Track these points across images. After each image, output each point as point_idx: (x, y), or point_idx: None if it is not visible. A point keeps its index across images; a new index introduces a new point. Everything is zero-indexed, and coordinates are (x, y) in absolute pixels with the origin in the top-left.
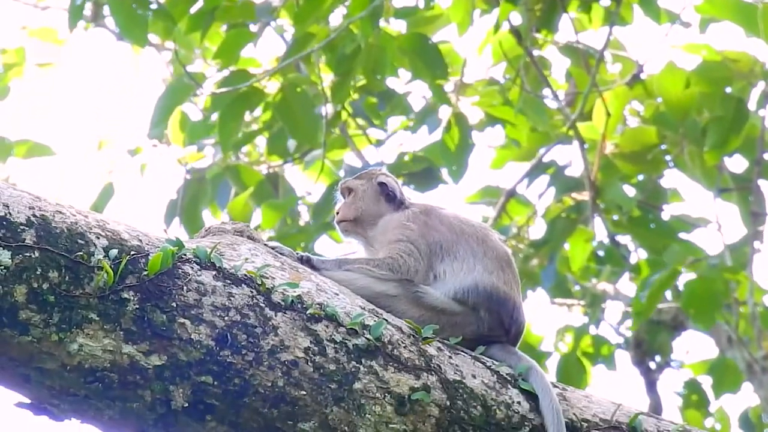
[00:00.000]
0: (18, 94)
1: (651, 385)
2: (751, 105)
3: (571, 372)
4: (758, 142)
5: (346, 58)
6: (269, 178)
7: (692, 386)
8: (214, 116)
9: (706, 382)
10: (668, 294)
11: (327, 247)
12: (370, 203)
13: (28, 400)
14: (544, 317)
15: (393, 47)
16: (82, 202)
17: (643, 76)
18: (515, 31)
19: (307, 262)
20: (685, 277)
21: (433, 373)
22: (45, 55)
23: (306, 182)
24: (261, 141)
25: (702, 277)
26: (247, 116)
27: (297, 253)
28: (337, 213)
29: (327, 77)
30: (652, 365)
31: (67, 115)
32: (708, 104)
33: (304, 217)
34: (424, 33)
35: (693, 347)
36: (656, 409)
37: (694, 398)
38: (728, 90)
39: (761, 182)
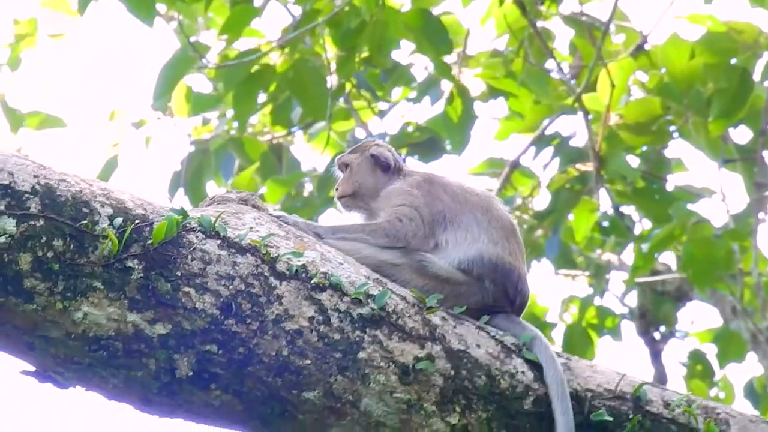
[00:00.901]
0: (30, 64)
1: (656, 356)
2: (756, 76)
3: (577, 343)
4: (763, 112)
5: (351, 33)
6: (273, 150)
7: (697, 356)
8: (220, 85)
9: (711, 352)
10: (672, 264)
11: (332, 219)
12: (366, 176)
13: (32, 368)
14: (549, 288)
15: (397, 22)
16: (88, 173)
17: (647, 46)
18: (519, 3)
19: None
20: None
21: (437, 342)
22: (57, 25)
23: (310, 153)
24: (265, 110)
25: (703, 238)
26: None
27: (291, 218)
28: (337, 189)
29: (330, 48)
30: (657, 336)
31: (79, 86)
32: (713, 75)
33: (309, 189)
34: (428, 5)
35: (697, 318)
36: (661, 379)
37: (698, 368)
38: (733, 61)
39: (766, 153)
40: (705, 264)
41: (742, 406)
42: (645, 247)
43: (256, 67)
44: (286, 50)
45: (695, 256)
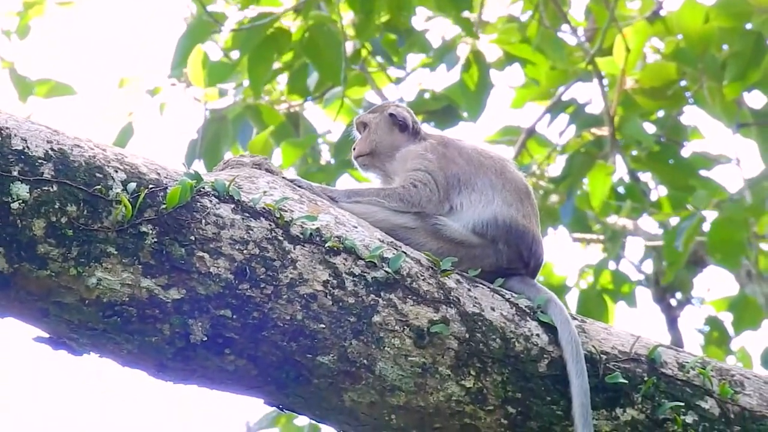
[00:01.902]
0: (38, 32)
1: (672, 322)
2: None
3: (592, 309)
4: None
5: None
6: (290, 118)
7: (713, 323)
8: (235, 55)
9: (727, 318)
10: None
11: (348, 185)
12: (384, 135)
13: (46, 335)
14: (565, 256)
15: None
16: (102, 139)
17: (662, 12)
18: None
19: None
20: (709, 216)
21: (452, 305)
22: None
23: (327, 121)
24: (281, 79)
25: (725, 218)
26: None
27: (305, 182)
28: (354, 149)
29: (346, 14)
30: (673, 302)
31: (88, 54)
32: (727, 39)
33: (325, 156)
34: None
35: (713, 283)
36: (677, 345)
37: (715, 335)
38: (748, 25)
39: None
40: (731, 245)
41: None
42: (679, 244)
43: (271, 31)
44: (301, 16)
45: (721, 237)
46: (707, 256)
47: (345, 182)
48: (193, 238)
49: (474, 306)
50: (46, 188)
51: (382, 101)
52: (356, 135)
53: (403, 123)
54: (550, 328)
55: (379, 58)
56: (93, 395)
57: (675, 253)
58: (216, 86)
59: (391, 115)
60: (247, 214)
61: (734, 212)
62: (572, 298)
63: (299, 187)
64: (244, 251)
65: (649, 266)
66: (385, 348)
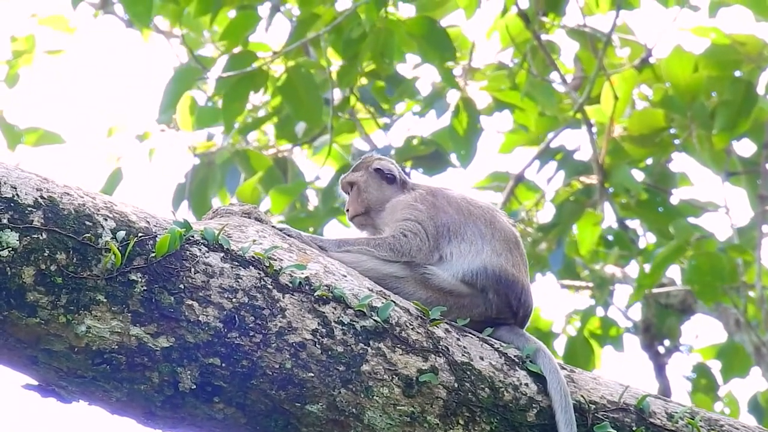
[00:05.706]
0: (27, 81)
1: (660, 369)
2: (760, 89)
3: (579, 353)
4: (766, 125)
5: (352, 42)
6: (278, 164)
7: (701, 370)
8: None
9: (715, 366)
10: (677, 278)
11: (336, 231)
12: (374, 191)
13: (35, 382)
14: (553, 301)
15: (401, 31)
16: (91, 187)
17: (651, 60)
18: (523, 15)
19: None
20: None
21: (440, 355)
22: (55, 42)
23: (315, 167)
24: (270, 127)
25: (707, 252)
26: (257, 101)
27: (294, 230)
28: (347, 210)
29: (336, 62)
30: (661, 349)
31: (77, 103)
32: (716, 88)
33: (313, 201)
34: (432, 16)
35: (702, 331)
36: (665, 393)
37: (703, 382)
38: (737, 73)
39: None
40: (710, 279)
41: (746, 421)
42: (647, 267)
43: (248, 69)
44: (282, 58)
45: (700, 270)
46: (695, 304)
47: (333, 228)
48: (183, 287)
49: (463, 355)
50: (35, 236)
51: (370, 147)
52: (343, 195)
53: (391, 176)
54: (539, 378)
55: (368, 107)
56: None
57: (644, 275)
58: (205, 131)
59: (377, 170)
60: (237, 263)
61: (714, 246)
62: (560, 344)
63: (288, 236)
64: (233, 300)
65: (637, 313)
66: (374, 397)
